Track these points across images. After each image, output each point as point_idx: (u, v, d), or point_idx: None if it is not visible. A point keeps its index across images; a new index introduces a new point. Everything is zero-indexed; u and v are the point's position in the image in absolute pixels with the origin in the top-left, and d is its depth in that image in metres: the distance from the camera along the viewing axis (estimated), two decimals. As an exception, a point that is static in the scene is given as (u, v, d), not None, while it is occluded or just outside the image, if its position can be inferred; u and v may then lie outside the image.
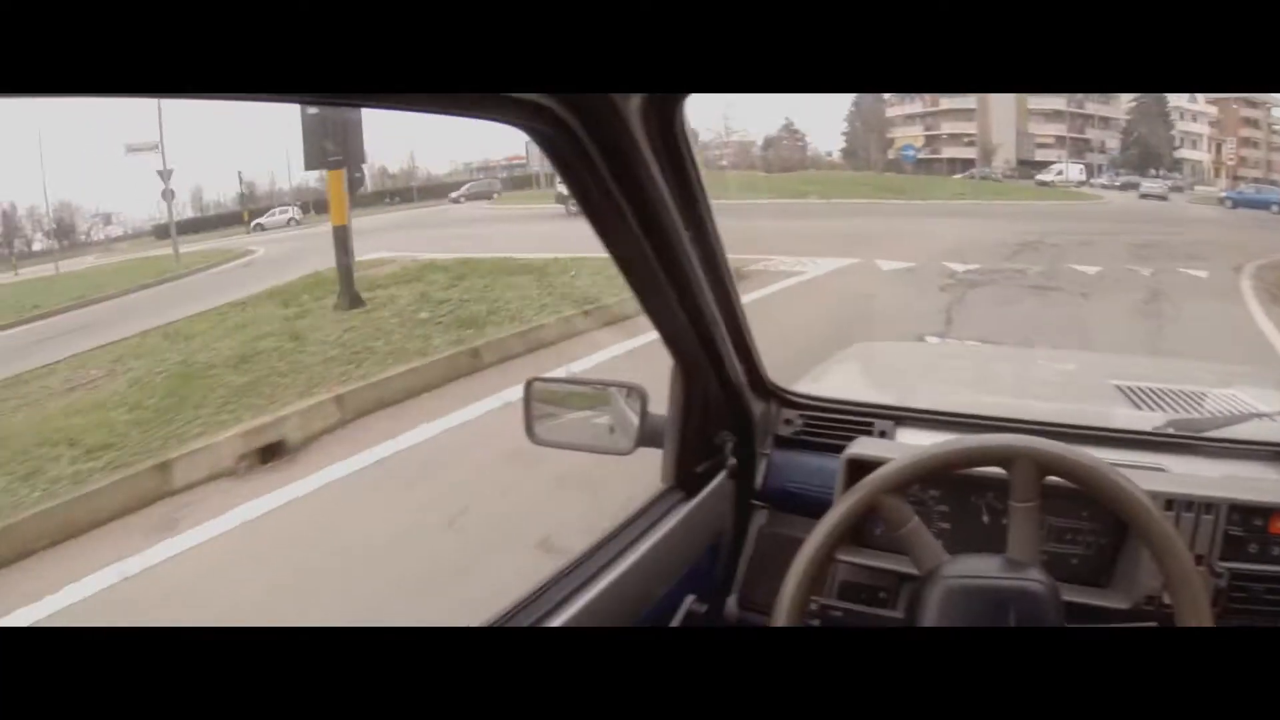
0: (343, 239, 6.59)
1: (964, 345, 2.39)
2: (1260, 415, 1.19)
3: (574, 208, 0.71)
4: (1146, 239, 9.51)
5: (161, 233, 12.27)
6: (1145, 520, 0.74)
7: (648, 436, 1.02)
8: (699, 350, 0.92)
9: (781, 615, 0.82)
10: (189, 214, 15.05)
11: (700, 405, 1.00)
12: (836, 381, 1.51)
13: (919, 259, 7.89)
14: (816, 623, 0.96)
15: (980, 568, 0.76)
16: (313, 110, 5.75)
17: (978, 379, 1.71)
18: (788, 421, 1.16)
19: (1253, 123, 17.52)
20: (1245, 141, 17.69)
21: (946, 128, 20.37)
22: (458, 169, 20.43)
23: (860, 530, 1.01)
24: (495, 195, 17.98)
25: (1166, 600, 0.80)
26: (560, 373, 3.69)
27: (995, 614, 0.71)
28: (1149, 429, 1.14)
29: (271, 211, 15.62)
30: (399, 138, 19.28)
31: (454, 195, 17.82)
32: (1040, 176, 18.38)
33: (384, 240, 10.22)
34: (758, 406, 1.13)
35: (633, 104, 0.65)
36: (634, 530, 0.95)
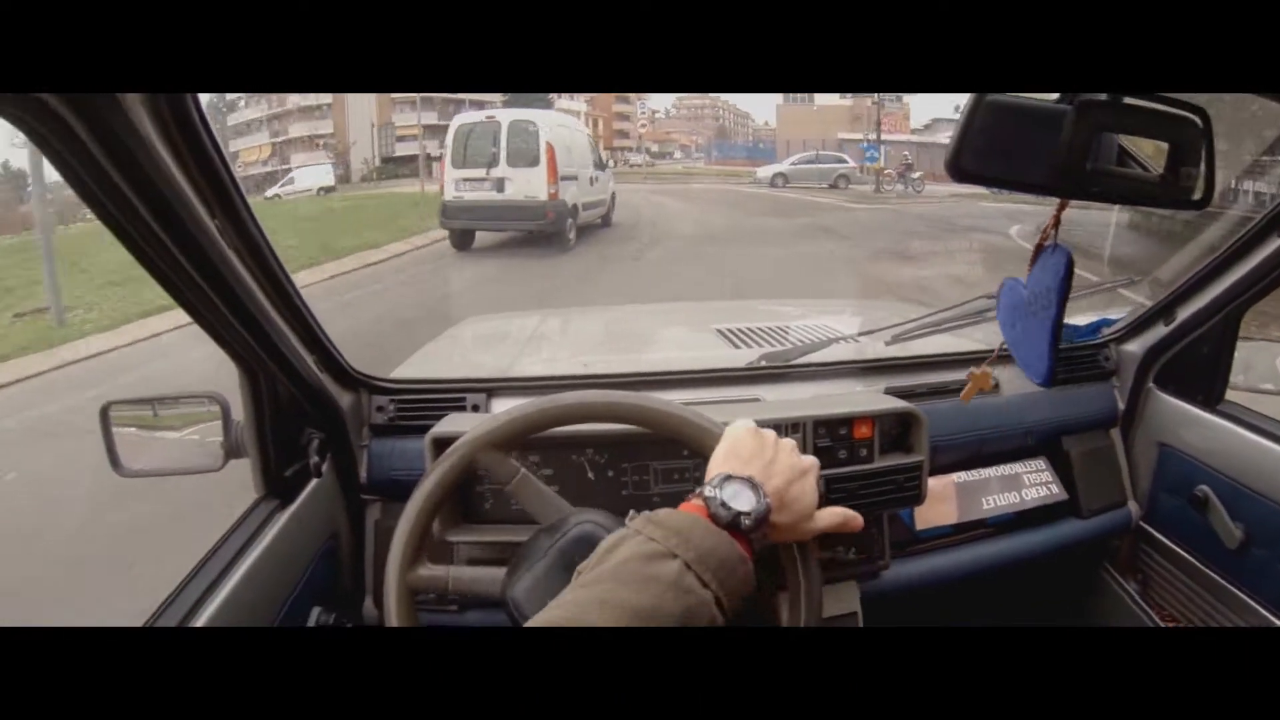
0: None
1: (576, 310, 2.44)
2: (840, 339, 1.33)
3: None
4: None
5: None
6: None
7: (236, 448, 0.94)
8: (256, 349, 0.84)
9: (390, 601, 0.78)
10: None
11: (274, 407, 0.92)
12: (441, 360, 1.51)
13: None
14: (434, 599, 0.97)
15: (605, 521, 0.77)
16: None
17: (584, 341, 1.76)
18: (380, 409, 1.12)
19: (623, 99, 18.90)
20: (619, 116, 19.06)
21: (298, 130, 17.35)
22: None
23: (472, 507, 1.00)
24: None
25: None
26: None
27: None
28: (744, 365, 1.24)
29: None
30: None
31: None
32: (270, 191, 14.94)
33: None
34: (345, 398, 1.07)
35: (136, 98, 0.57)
36: (229, 551, 0.86)
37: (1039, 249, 0.77)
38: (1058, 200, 0.71)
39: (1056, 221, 0.76)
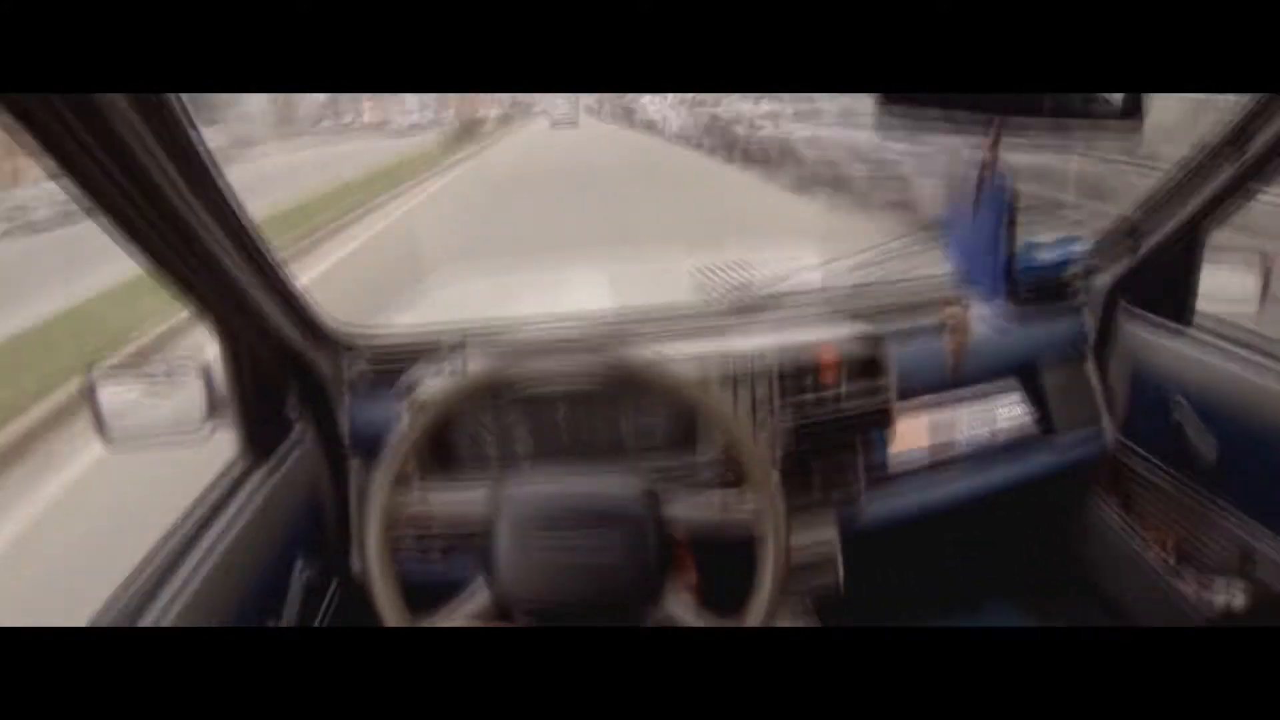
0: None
1: (550, 258, 2.44)
2: (806, 272, 1.36)
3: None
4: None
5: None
6: (690, 396, 0.82)
7: (219, 410, 0.95)
8: (231, 310, 0.87)
9: (371, 558, 0.79)
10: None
11: (251, 368, 0.94)
12: (420, 311, 1.54)
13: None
14: (412, 543, 0.99)
15: None
16: None
17: (555, 287, 1.77)
18: (357, 365, 1.14)
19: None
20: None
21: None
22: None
23: (448, 458, 1.03)
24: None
25: None
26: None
27: None
28: (715, 302, 1.29)
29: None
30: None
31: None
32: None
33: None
34: (324, 355, 1.09)
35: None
36: (205, 506, 0.89)
37: (981, 180, 0.78)
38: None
39: (994, 147, 0.77)
